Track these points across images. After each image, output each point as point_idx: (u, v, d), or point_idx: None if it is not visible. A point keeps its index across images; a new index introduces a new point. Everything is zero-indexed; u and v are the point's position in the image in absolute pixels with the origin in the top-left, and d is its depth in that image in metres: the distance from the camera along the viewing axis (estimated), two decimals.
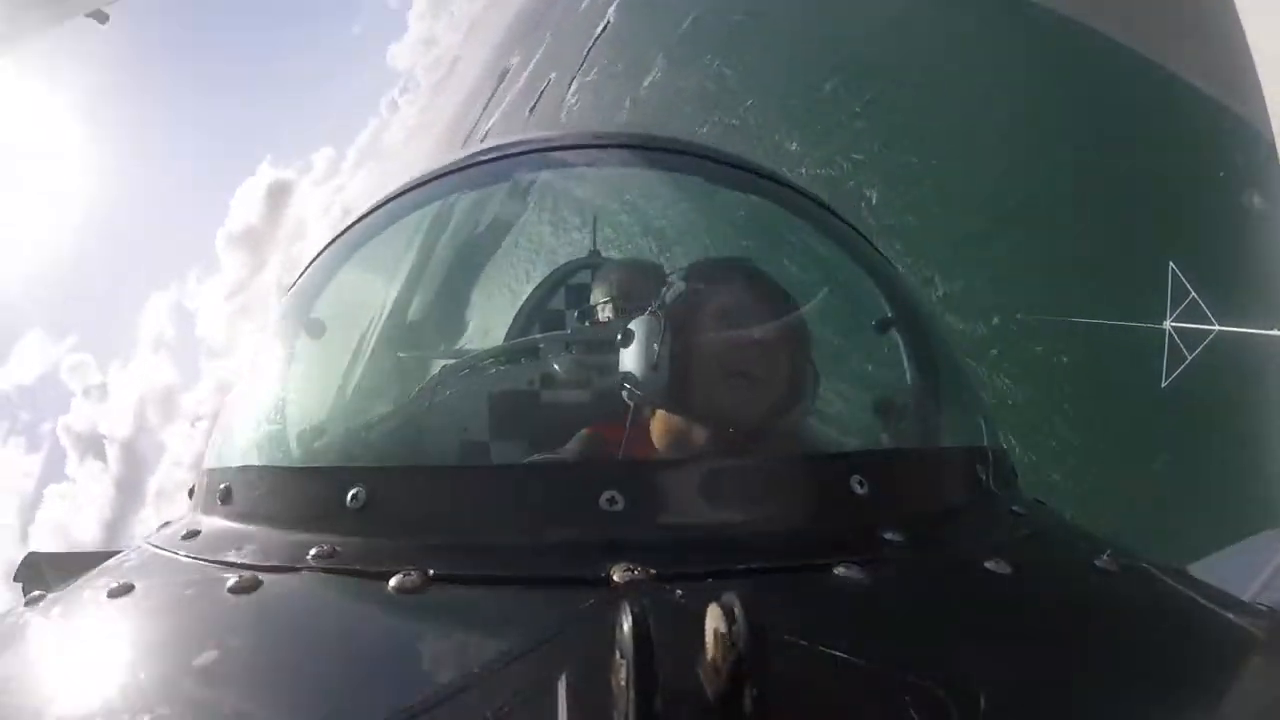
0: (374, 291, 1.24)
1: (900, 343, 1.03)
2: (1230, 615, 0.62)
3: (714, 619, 0.39)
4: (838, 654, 0.46)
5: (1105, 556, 0.65)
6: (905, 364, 0.99)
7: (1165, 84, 9.33)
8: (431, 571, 0.55)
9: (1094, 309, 7.95)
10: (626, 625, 0.36)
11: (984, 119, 11.10)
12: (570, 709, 0.39)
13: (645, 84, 22.86)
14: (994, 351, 8.53)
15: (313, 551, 0.61)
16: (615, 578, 0.53)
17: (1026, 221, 9.68)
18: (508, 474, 0.74)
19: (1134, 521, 6.21)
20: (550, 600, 0.53)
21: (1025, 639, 0.53)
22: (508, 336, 1.45)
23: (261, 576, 0.58)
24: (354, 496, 0.65)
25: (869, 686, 0.45)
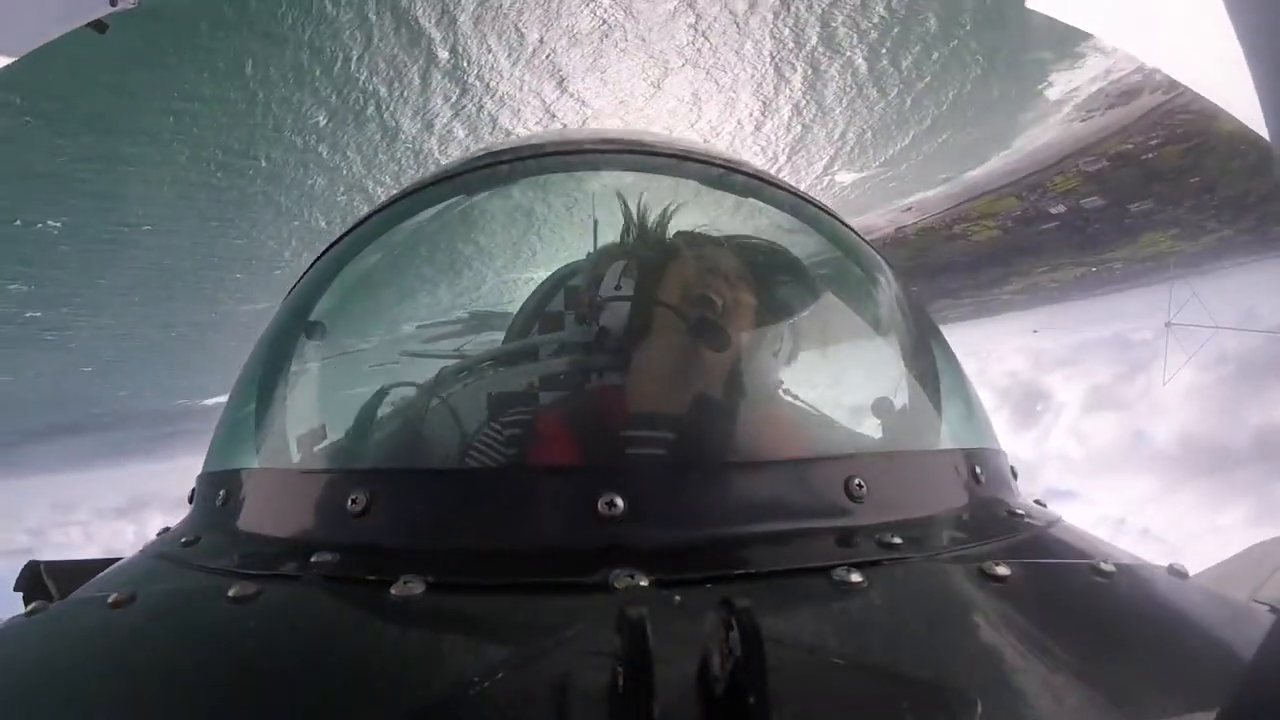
0: (374, 295, 1.24)
1: (898, 345, 1.03)
2: (1230, 616, 0.63)
3: (712, 624, 0.39)
4: (837, 658, 0.46)
5: (1105, 558, 0.65)
6: (903, 366, 1.00)
7: None
8: (431, 579, 0.55)
9: None
10: (625, 632, 0.36)
11: None
12: (570, 716, 0.39)
13: None
14: None
15: (313, 559, 0.61)
16: (614, 584, 0.53)
17: None
18: (506, 478, 0.74)
19: None
20: (549, 607, 0.53)
21: (1024, 641, 0.53)
22: (506, 339, 1.45)
23: (262, 585, 0.58)
24: (354, 501, 0.65)
25: (868, 690, 0.45)
